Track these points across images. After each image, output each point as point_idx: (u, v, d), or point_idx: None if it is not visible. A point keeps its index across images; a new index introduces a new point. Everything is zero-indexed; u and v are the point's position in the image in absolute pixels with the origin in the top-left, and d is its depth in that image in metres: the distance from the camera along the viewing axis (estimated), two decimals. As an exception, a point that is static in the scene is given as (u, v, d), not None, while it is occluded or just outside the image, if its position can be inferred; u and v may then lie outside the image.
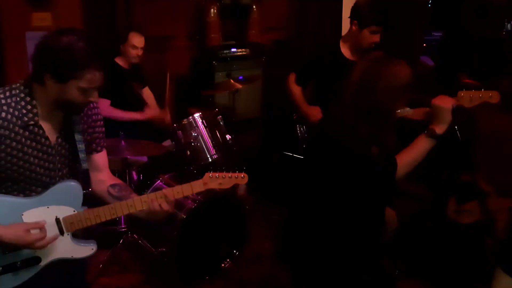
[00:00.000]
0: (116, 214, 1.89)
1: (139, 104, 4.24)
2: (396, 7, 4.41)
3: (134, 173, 3.72)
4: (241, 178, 2.04)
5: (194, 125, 3.47)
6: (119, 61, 4.05)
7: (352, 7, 3.36)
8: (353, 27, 3.29)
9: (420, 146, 2.07)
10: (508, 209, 2.96)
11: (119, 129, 3.50)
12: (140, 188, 3.62)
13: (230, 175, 2.02)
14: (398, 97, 2.08)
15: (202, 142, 3.53)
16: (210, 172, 1.98)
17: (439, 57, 4.54)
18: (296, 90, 3.57)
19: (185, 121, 3.48)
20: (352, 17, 3.32)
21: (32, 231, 1.75)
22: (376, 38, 3.25)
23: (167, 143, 3.89)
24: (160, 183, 3.60)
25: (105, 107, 3.82)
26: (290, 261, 2.44)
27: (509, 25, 4.48)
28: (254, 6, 5.54)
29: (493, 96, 2.09)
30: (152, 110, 4.09)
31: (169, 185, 3.57)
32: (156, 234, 3.53)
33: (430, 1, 5.31)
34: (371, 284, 2.32)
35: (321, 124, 2.39)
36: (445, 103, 2.05)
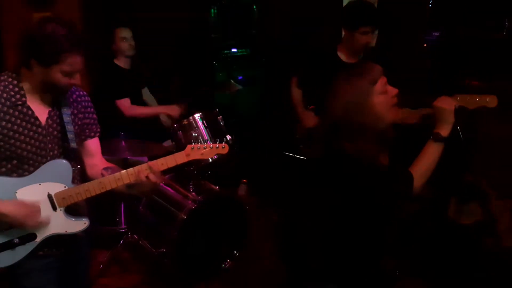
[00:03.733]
0: (105, 188, 1.98)
1: (141, 104, 4.24)
2: (382, 5, 4.41)
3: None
4: (221, 148, 2.17)
5: (194, 125, 3.47)
6: (118, 62, 4.05)
7: (341, 13, 3.39)
8: (343, 32, 3.31)
9: (430, 153, 2.04)
10: (509, 210, 2.96)
11: (119, 129, 3.50)
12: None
13: (211, 145, 2.15)
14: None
15: (202, 142, 3.52)
16: (192, 144, 2.10)
17: (437, 57, 4.54)
18: (296, 93, 3.59)
19: (185, 121, 3.48)
20: (342, 22, 3.33)
21: (27, 209, 1.86)
22: (368, 38, 3.24)
23: (167, 143, 3.89)
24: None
25: (126, 107, 3.84)
26: (291, 261, 2.44)
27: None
28: (254, 6, 5.53)
29: (490, 101, 2.06)
30: (173, 108, 4.07)
31: (169, 186, 3.58)
32: (156, 234, 3.53)
33: (430, 1, 5.30)
34: (371, 284, 2.32)
35: (327, 136, 2.36)
36: (447, 104, 2.03)
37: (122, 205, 3.81)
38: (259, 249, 3.71)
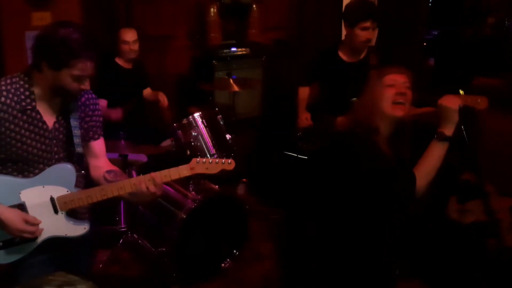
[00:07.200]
0: (107, 196, 1.98)
1: (139, 104, 4.23)
2: (382, 5, 4.42)
3: (134, 173, 3.72)
4: (227, 164, 2.11)
5: (194, 124, 3.47)
6: (119, 61, 4.06)
7: (343, 11, 3.42)
8: (345, 29, 3.34)
9: (434, 152, 2.02)
10: (508, 209, 2.96)
11: (120, 130, 3.50)
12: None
13: (217, 160, 2.10)
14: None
15: (202, 141, 3.53)
16: (197, 157, 2.06)
17: (439, 56, 4.54)
18: (301, 91, 3.63)
19: (185, 120, 3.48)
20: (343, 19, 3.37)
21: (27, 224, 1.87)
22: (368, 34, 3.26)
23: (167, 142, 3.89)
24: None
25: (102, 108, 3.80)
26: (291, 260, 2.44)
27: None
28: (254, 5, 5.53)
29: (481, 102, 2.07)
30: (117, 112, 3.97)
31: (169, 185, 3.56)
32: (156, 234, 3.53)
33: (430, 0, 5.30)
34: (372, 284, 2.32)
35: (333, 137, 2.38)
36: (451, 103, 2.01)
37: (122, 204, 3.81)
38: (259, 249, 3.70)
